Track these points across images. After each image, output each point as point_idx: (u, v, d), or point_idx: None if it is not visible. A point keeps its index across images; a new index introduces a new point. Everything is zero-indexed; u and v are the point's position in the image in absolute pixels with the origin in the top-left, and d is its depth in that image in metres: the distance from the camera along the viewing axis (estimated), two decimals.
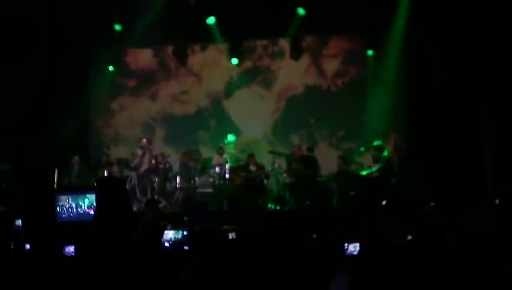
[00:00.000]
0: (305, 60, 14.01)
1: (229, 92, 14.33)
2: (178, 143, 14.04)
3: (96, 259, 3.60)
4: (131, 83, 14.79)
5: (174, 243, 5.53)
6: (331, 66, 13.94)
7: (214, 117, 14.32)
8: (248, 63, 14.25)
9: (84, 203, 5.64)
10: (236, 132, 13.92)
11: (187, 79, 14.54)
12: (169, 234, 5.61)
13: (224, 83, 14.34)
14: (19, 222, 7.15)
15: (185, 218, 9.15)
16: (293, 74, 14.06)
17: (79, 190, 7.93)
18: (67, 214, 5.64)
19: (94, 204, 5.30)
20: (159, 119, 14.63)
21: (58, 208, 5.70)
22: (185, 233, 5.52)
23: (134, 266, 3.96)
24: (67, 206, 5.65)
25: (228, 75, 14.32)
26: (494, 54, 11.17)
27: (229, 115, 14.26)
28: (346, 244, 5.70)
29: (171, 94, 14.61)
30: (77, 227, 5.59)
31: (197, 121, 14.32)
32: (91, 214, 5.33)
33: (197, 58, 14.45)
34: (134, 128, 14.57)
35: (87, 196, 5.63)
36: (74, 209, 5.62)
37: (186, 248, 5.39)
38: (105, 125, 14.87)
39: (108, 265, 3.62)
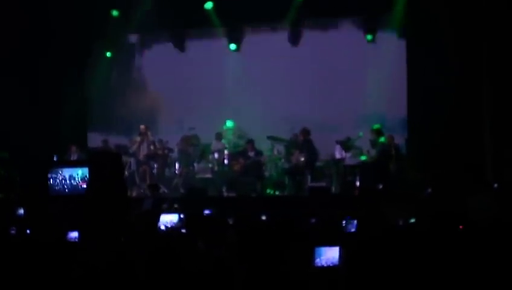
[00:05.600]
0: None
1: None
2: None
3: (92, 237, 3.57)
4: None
5: (171, 226, 5.56)
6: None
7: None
8: None
9: (78, 175, 5.59)
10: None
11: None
12: (166, 218, 5.64)
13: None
14: (21, 211, 7.14)
15: (176, 205, 9.11)
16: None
17: (72, 163, 7.88)
18: (60, 186, 5.60)
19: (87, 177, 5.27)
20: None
21: (51, 180, 5.63)
22: (181, 216, 5.54)
23: (133, 249, 3.96)
24: (60, 178, 5.60)
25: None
26: (496, 34, 11.12)
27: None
28: (344, 222, 5.76)
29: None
30: (71, 201, 5.56)
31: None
32: (84, 188, 5.31)
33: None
34: (140, 115, 14.12)
35: (81, 169, 5.59)
36: (68, 181, 5.58)
37: (183, 231, 5.42)
38: (108, 112, 14.81)
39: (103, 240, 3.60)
